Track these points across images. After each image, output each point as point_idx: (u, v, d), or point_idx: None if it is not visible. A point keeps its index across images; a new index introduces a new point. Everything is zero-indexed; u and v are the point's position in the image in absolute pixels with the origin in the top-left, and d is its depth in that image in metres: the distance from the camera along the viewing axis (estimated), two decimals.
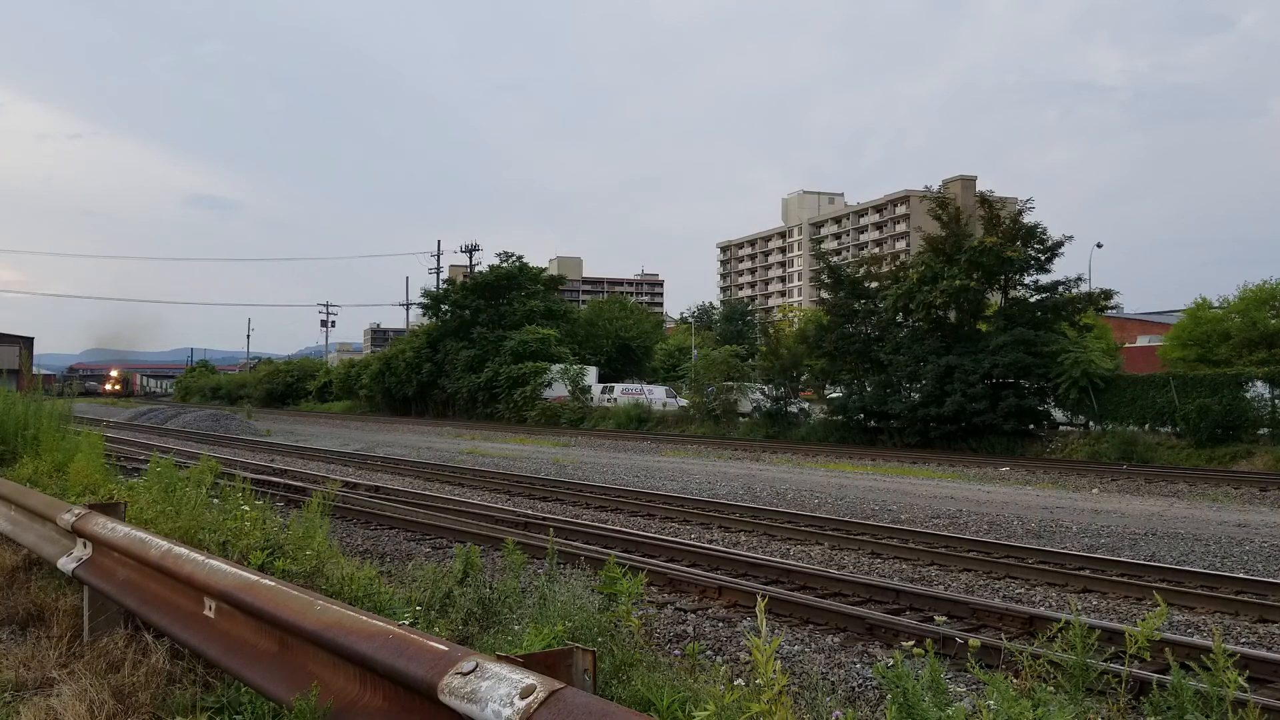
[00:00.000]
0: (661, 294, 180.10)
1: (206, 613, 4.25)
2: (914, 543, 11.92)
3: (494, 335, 56.93)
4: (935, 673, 3.51)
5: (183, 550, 4.59)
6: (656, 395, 51.11)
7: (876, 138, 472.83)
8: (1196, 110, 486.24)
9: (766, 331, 51.45)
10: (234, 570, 4.16)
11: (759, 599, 3.62)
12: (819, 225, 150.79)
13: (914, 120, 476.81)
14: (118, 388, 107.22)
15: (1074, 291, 31.56)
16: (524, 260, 61.36)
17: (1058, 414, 31.63)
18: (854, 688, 6.38)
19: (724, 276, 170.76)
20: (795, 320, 47.36)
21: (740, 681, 3.87)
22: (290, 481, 16.95)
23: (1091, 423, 30.48)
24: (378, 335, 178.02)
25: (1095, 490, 19.91)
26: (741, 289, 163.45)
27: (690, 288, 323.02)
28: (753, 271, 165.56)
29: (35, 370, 41.88)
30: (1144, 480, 21.79)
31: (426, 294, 64.61)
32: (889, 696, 3.34)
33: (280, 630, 3.64)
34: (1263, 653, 6.87)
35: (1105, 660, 4.70)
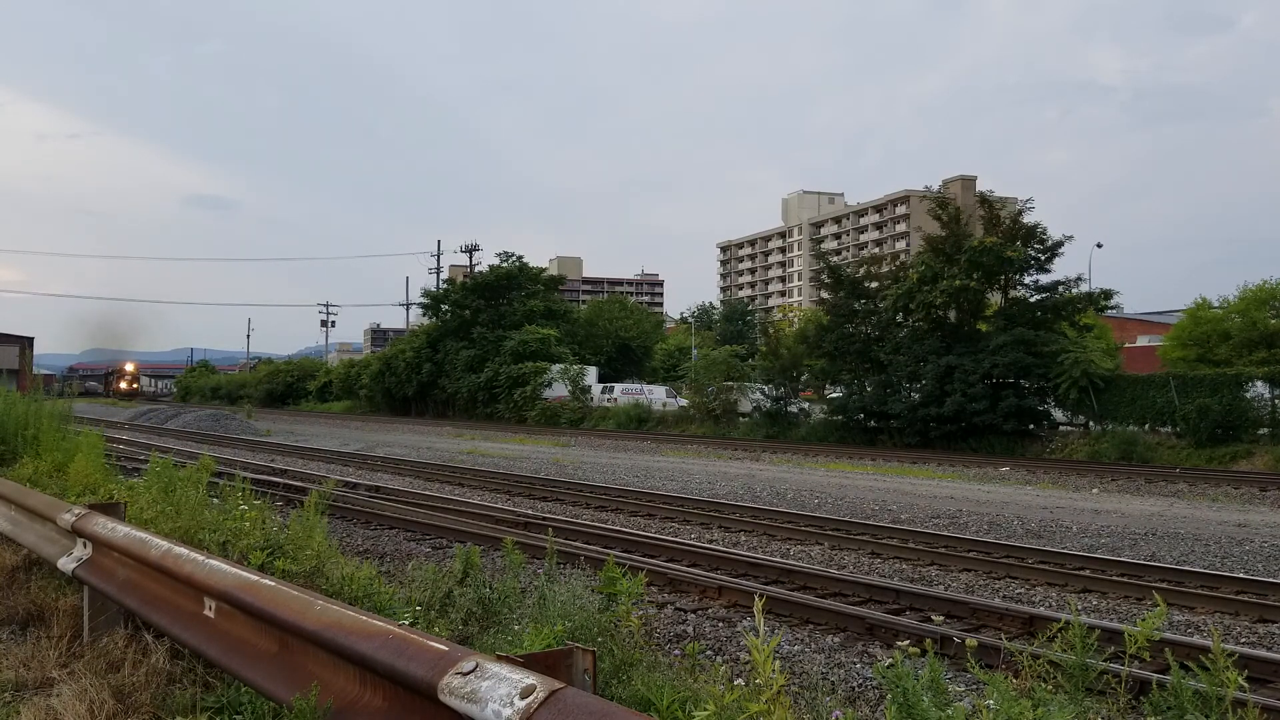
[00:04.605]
0: (661, 294, 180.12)
1: (206, 613, 4.25)
2: (914, 543, 11.92)
3: (494, 335, 56.92)
4: (935, 673, 3.51)
5: (183, 550, 4.59)
6: (656, 395, 51.10)
7: (876, 138, 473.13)
8: (1196, 110, 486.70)
9: (766, 331, 51.46)
10: (234, 570, 4.16)
11: (758, 599, 3.62)
12: (819, 225, 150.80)
13: (914, 120, 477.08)
14: (135, 385, 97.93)
15: (1074, 291, 31.57)
16: (524, 260, 61.40)
17: (1058, 414, 31.62)
18: (854, 688, 6.38)
19: (724, 276, 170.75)
20: (795, 320, 47.32)
21: (740, 681, 3.87)
22: (290, 481, 16.95)
23: (1091, 423, 30.48)
24: (378, 335, 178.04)
25: (1095, 490, 19.91)
26: (741, 289, 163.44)
27: (690, 288, 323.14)
28: (753, 271, 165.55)
29: (35, 370, 41.91)
30: (1144, 480, 21.78)
31: (426, 294, 64.62)
32: (889, 696, 3.34)
33: (280, 630, 3.64)
34: (1263, 653, 6.87)
35: (1105, 660, 4.70)
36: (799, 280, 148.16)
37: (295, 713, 3.21)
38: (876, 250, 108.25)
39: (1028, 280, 32.36)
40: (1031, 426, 30.86)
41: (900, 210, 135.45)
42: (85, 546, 5.61)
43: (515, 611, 5.88)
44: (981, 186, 41.40)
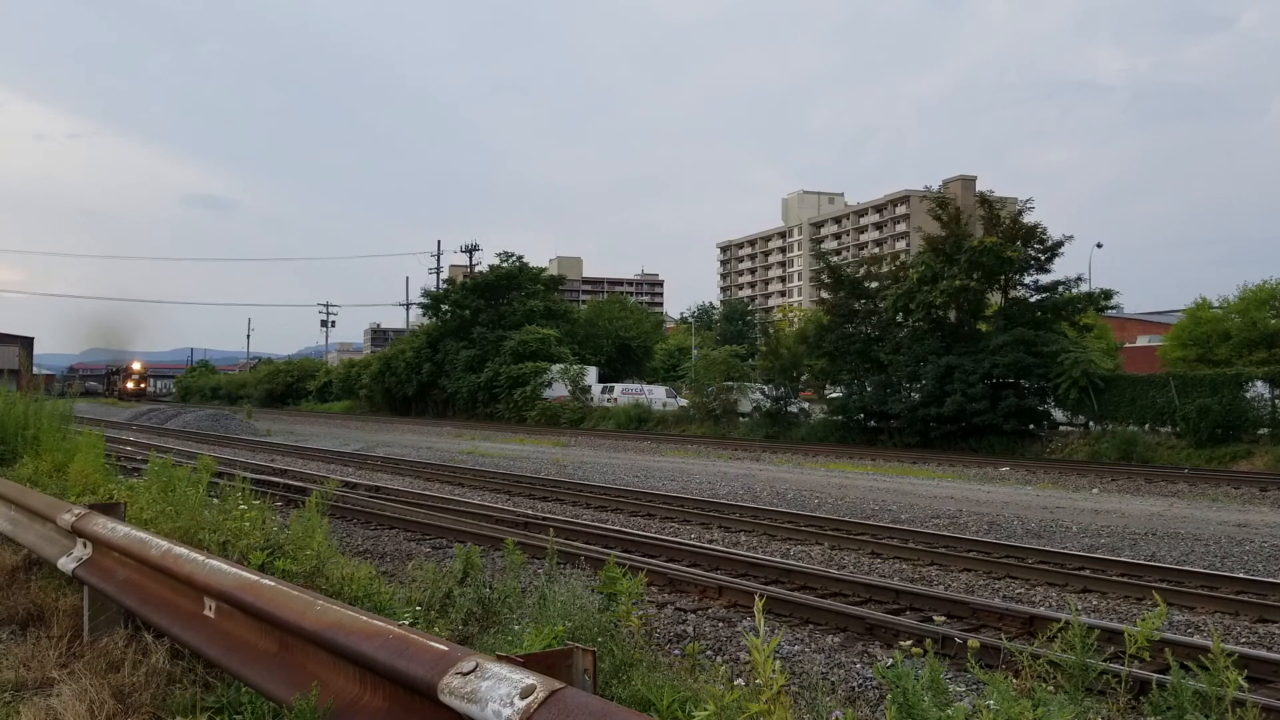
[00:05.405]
0: (661, 294, 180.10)
1: (206, 613, 4.25)
2: (914, 543, 11.92)
3: (494, 335, 56.93)
4: (935, 673, 3.51)
5: (183, 550, 4.59)
6: (656, 395, 51.10)
7: (876, 137, 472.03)
8: (1196, 110, 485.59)
9: (766, 331, 51.49)
10: (234, 570, 4.16)
11: (758, 599, 3.62)
12: (819, 225, 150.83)
13: (914, 120, 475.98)
14: (142, 385, 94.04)
15: (1074, 291, 31.59)
16: (524, 260, 61.42)
17: (1058, 414, 31.63)
18: (854, 688, 6.38)
19: (724, 276, 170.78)
20: (795, 320, 47.28)
21: (740, 681, 3.88)
22: (290, 481, 16.95)
23: (1091, 423, 30.48)
24: (378, 335, 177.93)
25: (1095, 490, 19.91)
26: (741, 289, 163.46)
27: (690, 288, 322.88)
28: (753, 271, 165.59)
29: (35, 370, 41.90)
30: (1144, 480, 21.79)
31: (426, 294, 64.64)
32: (889, 696, 3.34)
33: (280, 630, 3.64)
34: (1263, 653, 6.87)
35: (1105, 660, 4.70)
36: (799, 280, 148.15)
37: (295, 713, 3.21)
38: (876, 250, 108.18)
39: (1028, 280, 32.40)
40: (1031, 426, 30.86)
41: (900, 210, 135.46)
42: (85, 546, 5.61)
43: (515, 611, 5.88)
44: (981, 186, 41.40)
